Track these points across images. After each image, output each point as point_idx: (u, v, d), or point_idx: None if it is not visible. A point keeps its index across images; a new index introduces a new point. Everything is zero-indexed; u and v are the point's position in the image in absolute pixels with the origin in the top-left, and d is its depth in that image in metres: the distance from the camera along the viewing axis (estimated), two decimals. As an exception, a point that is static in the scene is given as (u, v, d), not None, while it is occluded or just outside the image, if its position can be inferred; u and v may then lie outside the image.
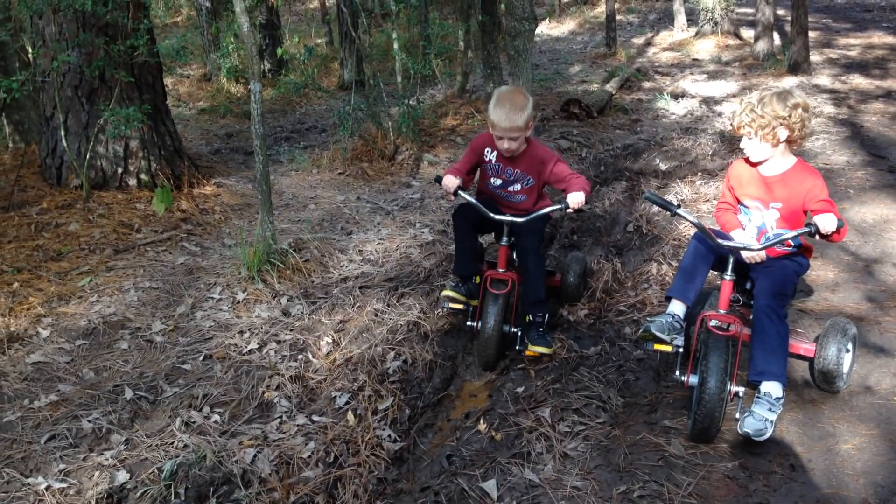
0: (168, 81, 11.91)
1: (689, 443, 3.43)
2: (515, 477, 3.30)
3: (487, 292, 4.22)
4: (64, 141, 6.31)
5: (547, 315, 4.35)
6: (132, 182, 6.65)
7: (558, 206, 4.13)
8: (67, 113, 6.40)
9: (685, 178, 7.26)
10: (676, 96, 11.34)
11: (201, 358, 4.30)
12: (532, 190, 4.37)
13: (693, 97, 11.27)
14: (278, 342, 4.47)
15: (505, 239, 4.27)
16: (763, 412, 3.23)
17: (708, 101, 10.95)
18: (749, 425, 3.21)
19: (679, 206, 3.50)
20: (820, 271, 5.09)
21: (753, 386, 3.38)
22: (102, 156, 6.54)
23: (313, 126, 10.88)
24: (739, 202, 3.76)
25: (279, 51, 12.44)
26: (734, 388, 3.34)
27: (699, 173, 7.39)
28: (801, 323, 4.40)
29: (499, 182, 4.40)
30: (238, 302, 4.93)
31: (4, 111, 7.18)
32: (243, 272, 5.16)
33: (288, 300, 4.97)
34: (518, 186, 4.37)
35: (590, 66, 14.78)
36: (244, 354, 4.33)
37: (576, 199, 4.03)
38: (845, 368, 3.66)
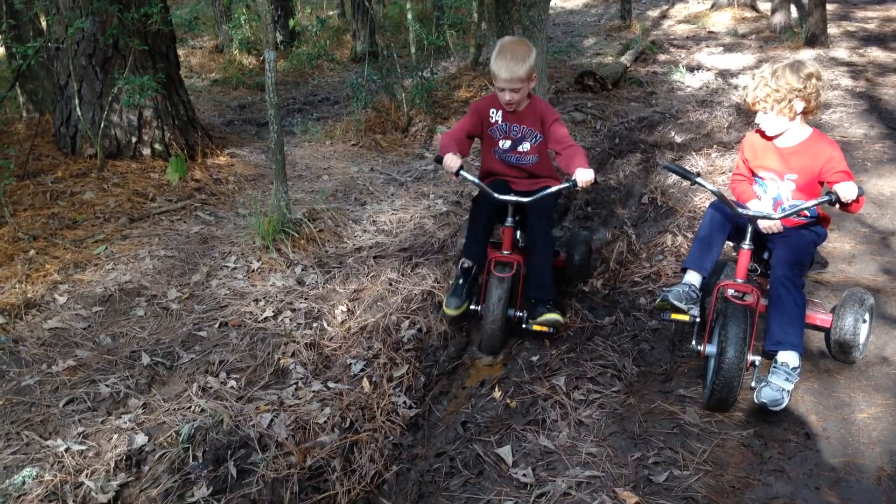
0: (180, 53, 11.86)
1: (704, 411, 3.43)
2: (530, 443, 3.32)
3: (492, 275, 4.08)
4: (78, 110, 6.31)
5: (552, 300, 4.16)
6: (146, 151, 6.65)
7: (565, 185, 3.94)
8: (81, 82, 6.39)
9: (700, 151, 7.20)
10: (692, 69, 11.23)
11: (217, 325, 4.32)
12: (541, 148, 4.21)
13: (709, 70, 11.15)
14: (293, 310, 4.48)
15: (510, 220, 4.12)
16: (780, 382, 3.23)
17: (724, 74, 10.84)
18: (765, 395, 3.20)
19: (698, 174, 3.47)
20: (836, 243, 5.06)
21: (770, 356, 3.37)
22: (116, 125, 6.54)
23: (326, 98, 10.85)
24: (754, 174, 3.72)
25: (291, 22, 12.38)
26: (751, 358, 3.33)
27: (715, 146, 7.33)
28: (817, 294, 4.38)
29: (508, 144, 4.24)
30: (253, 271, 4.94)
31: (18, 81, 7.18)
32: (258, 241, 5.17)
33: (302, 269, 4.98)
34: (527, 146, 4.22)
35: (604, 38, 14.64)
36: (259, 322, 4.35)
37: (584, 176, 3.81)
38: (862, 339, 3.65)
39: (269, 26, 5.25)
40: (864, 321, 3.67)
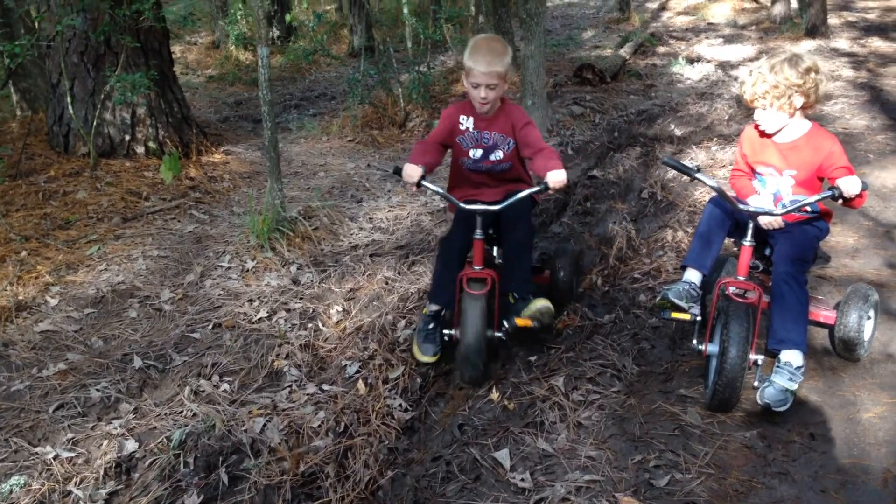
0: (176, 49, 11.81)
1: (706, 412, 3.36)
2: (528, 446, 3.25)
3: (465, 294, 3.68)
4: (70, 108, 6.24)
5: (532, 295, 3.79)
6: (140, 150, 6.59)
7: (537, 189, 3.65)
8: (73, 79, 6.32)
9: (701, 144, 7.13)
10: (691, 61, 11.16)
11: (210, 327, 4.25)
12: (514, 155, 3.92)
13: (709, 62, 11.08)
14: (288, 311, 4.42)
15: (479, 232, 3.71)
16: (783, 382, 3.16)
17: (724, 66, 10.76)
18: (769, 396, 3.13)
19: (698, 169, 3.39)
20: (840, 237, 4.98)
21: (773, 354, 3.30)
22: (110, 123, 6.47)
23: (323, 93, 10.78)
24: (753, 170, 3.64)
25: (288, 17, 12.33)
26: (753, 357, 3.26)
27: (715, 139, 7.26)
28: (820, 290, 4.31)
29: (479, 153, 3.89)
30: (247, 270, 4.87)
31: (11, 79, 7.11)
32: (252, 240, 5.10)
33: (297, 268, 4.91)
34: (500, 154, 3.90)
35: (603, 31, 14.55)
36: (253, 323, 4.29)
37: (556, 178, 3.51)
38: (866, 336, 3.58)
39: (261, 21, 5.18)
40: (869, 317, 3.60)
